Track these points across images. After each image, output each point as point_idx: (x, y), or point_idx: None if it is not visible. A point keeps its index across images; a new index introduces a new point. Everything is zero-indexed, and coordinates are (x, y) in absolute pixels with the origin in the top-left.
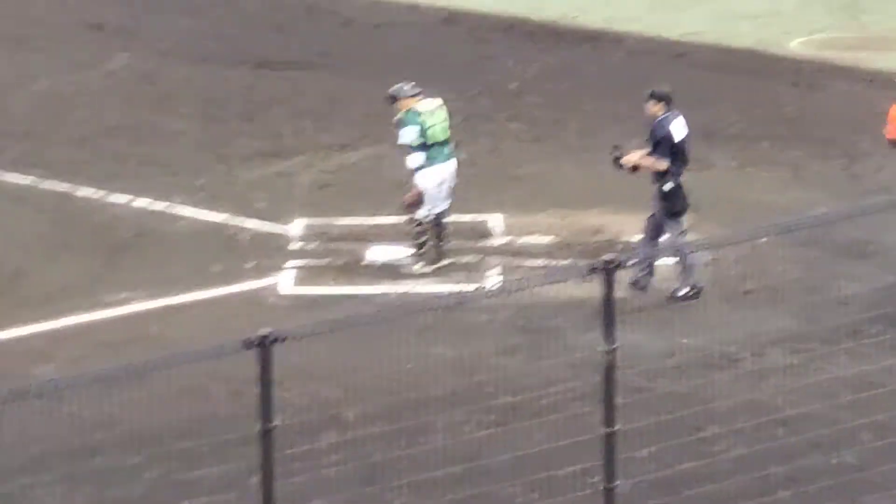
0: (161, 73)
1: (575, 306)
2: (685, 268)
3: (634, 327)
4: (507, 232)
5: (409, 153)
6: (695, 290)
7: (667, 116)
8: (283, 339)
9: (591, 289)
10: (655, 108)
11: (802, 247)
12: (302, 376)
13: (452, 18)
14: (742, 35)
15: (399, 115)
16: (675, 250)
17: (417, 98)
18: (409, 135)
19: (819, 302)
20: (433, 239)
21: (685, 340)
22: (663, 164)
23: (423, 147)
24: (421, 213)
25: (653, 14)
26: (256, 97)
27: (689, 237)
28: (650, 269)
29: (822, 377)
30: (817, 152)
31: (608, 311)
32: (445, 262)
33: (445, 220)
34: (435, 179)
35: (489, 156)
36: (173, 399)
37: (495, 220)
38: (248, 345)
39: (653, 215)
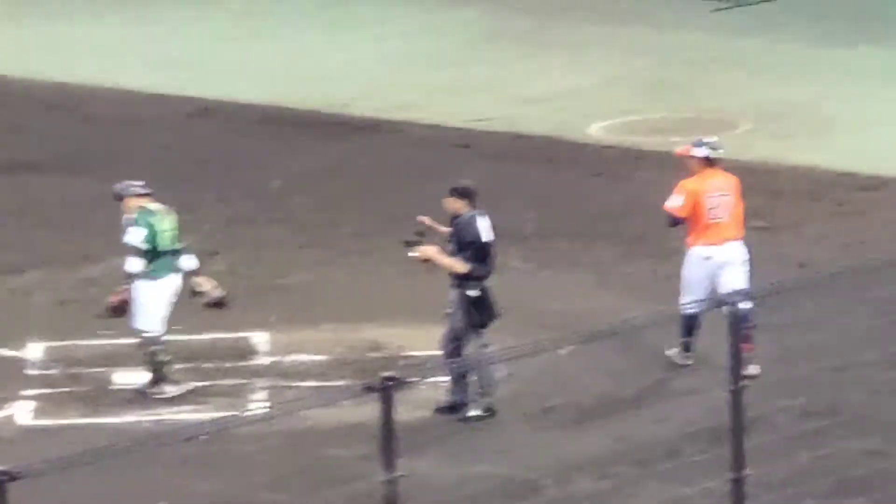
0: None
1: (353, 432)
2: (483, 385)
3: (421, 454)
4: (274, 351)
5: (130, 256)
6: (489, 410)
7: (473, 215)
8: (19, 477)
9: (372, 412)
10: (457, 206)
11: (611, 357)
12: None
13: (206, 111)
14: (536, 120)
15: (129, 215)
16: (473, 366)
17: (148, 198)
18: (137, 235)
19: (631, 419)
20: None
21: (480, 467)
22: (463, 267)
23: (150, 254)
24: (145, 327)
25: (433, 101)
26: None
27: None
28: (464, 387)
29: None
30: (624, 251)
31: (387, 436)
32: (191, 385)
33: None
34: (153, 294)
35: (251, 265)
36: None
37: (259, 338)
38: None
39: (451, 328)
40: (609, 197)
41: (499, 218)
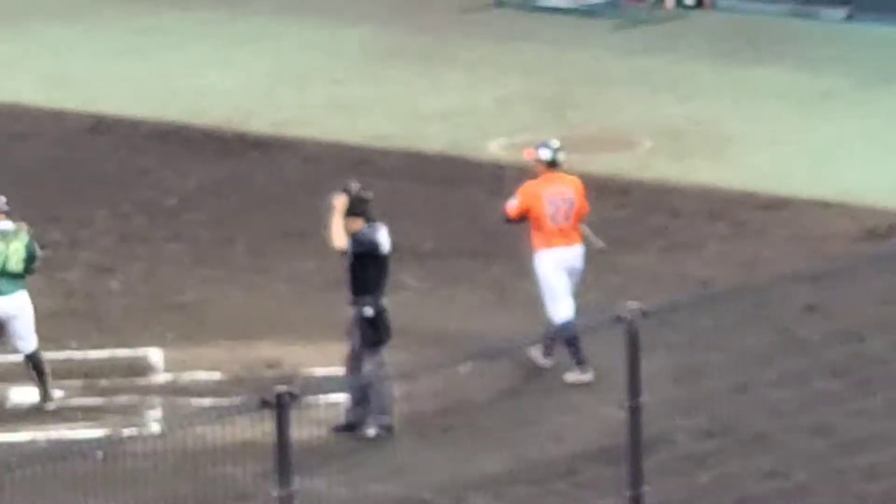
0: None
1: (248, 450)
2: (378, 404)
3: (316, 472)
4: (169, 368)
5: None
6: (387, 428)
7: (371, 226)
8: None
9: (268, 430)
10: (356, 224)
11: (508, 376)
12: None
13: (100, 126)
14: (433, 138)
15: None
16: (368, 385)
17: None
18: None
19: (528, 438)
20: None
21: (375, 486)
22: (341, 241)
23: None
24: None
25: (329, 117)
26: None
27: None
28: (364, 406)
29: None
30: (522, 269)
31: (282, 452)
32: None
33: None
34: None
35: (145, 282)
36: None
37: (154, 355)
38: None
39: (352, 348)
40: None
41: (396, 236)
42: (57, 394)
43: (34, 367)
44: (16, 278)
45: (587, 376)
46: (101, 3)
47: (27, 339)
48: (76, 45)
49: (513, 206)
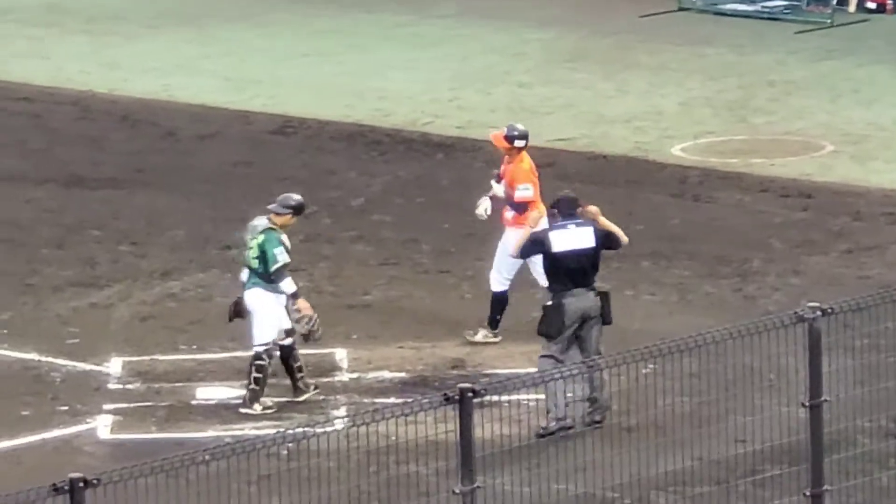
0: None
1: (433, 449)
2: (550, 403)
3: (499, 470)
4: (353, 368)
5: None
6: (564, 426)
7: (558, 224)
8: (97, 484)
9: (452, 430)
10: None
11: (691, 376)
12: None
13: (287, 128)
14: (617, 141)
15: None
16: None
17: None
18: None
19: (710, 438)
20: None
21: (557, 485)
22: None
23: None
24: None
25: (513, 119)
26: (67, 220)
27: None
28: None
29: None
30: (706, 271)
31: (465, 447)
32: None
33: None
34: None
35: (331, 282)
36: None
37: (339, 355)
38: (57, 490)
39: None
40: (690, 217)
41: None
42: (256, 408)
43: (247, 369)
44: (253, 274)
45: (491, 338)
46: (276, 5)
47: (252, 335)
48: (257, 47)
49: (530, 193)
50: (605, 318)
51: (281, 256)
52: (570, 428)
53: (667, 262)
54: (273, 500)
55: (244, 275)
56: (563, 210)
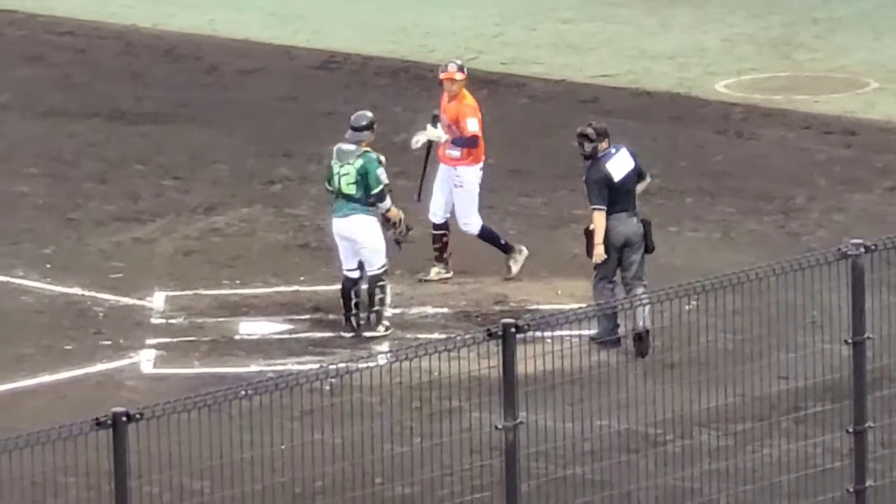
0: None
1: (475, 385)
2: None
3: (542, 406)
4: (396, 303)
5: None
6: (615, 337)
7: (604, 154)
8: (140, 418)
9: (495, 366)
10: (603, 146)
11: (734, 312)
12: (165, 466)
13: (331, 63)
14: (660, 77)
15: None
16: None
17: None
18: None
19: (752, 374)
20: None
21: (599, 421)
22: (601, 219)
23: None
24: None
25: (557, 55)
26: (110, 154)
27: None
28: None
29: (756, 459)
30: (749, 208)
31: (508, 382)
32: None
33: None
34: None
35: None
36: (21, 498)
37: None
38: (100, 424)
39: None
40: (734, 154)
41: None
42: (380, 329)
43: (368, 292)
44: (350, 201)
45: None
46: None
47: (365, 261)
48: None
49: (477, 127)
50: (648, 245)
51: (383, 176)
52: (618, 341)
53: (710, 199)
54: (315, 435)
55: (339, 204)
56: (606, 137)
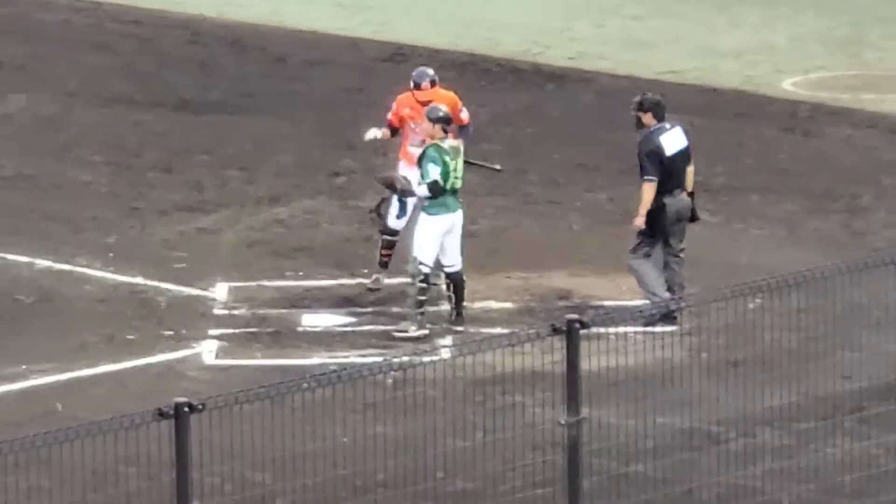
0: (65, 116)
1: (538, 380)
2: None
3: (604, 403)
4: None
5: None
6: (670, 315)
7: (655, 130)
8: (202, 409)
9: (558, 361)
10: (646, 119)
11: (798, 311)
12: (226, 457)
13: (398, 55)
14: (727, 74)
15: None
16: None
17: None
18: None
19: (815, 374)
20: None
21: (662, 418)
22: (650, 191)
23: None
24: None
25: (625, 51)
26: (174, 144)
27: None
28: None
29: (819, 459)
30: (814, 206)
31: (572, 377)
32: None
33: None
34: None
35: None
36: (81, 486)
37: (445, 283)
38: (162, 415)
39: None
40: (799, 152)
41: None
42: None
43: (454, 287)
44: (458, 195)
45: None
46: None
47: (455, 256)
48: None
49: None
50: (694, 215)
51: None
52: (674, 317)
53: (776, 197)
54: (377, 428)
55: (451, 200)
56: (662, 113)
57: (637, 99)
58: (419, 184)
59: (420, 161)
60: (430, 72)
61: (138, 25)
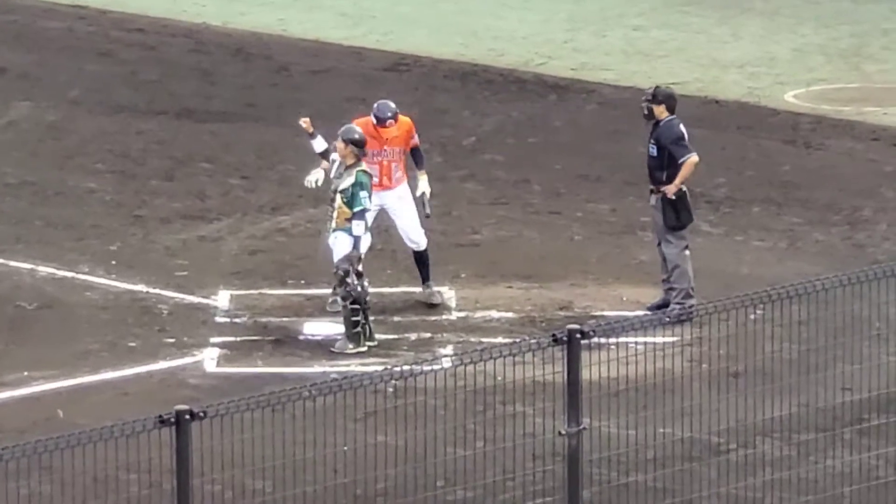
0: (68, 124)
1: (539, 390)
2: (682, 286)
3: (604, 413)
4: (462, 306)
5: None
6: (689, 312)
7: (673, 118)
8: (203, 416)
9: (559, 371)
10: (658, 111)
11: (798, 323)
12: (227, 465)
13: (400, 65)
14: (730, 86)
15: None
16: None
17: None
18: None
19: (815, 385)
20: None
21: (663, 428)
22: (694, 158)
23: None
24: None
25: (627, 62)
26: (177, 152)
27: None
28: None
29: (819, 470)
30: (816, 218)
31: (572, 388)
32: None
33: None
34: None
35: (440, 220)
36: (82, 493)
37: (448, 293)
38: (163, 422)
39: (659, 243)
40: (801, 164)
41: (690, 182)
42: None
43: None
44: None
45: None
46: None
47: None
48: None
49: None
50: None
51: None
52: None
53: (777, 209)
54: (378, 436)
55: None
56: (674, 106)
57: (650, 90)
58: (353, 219)
59: (353, 186)
60: (392, 105)
61: (142, 34)
